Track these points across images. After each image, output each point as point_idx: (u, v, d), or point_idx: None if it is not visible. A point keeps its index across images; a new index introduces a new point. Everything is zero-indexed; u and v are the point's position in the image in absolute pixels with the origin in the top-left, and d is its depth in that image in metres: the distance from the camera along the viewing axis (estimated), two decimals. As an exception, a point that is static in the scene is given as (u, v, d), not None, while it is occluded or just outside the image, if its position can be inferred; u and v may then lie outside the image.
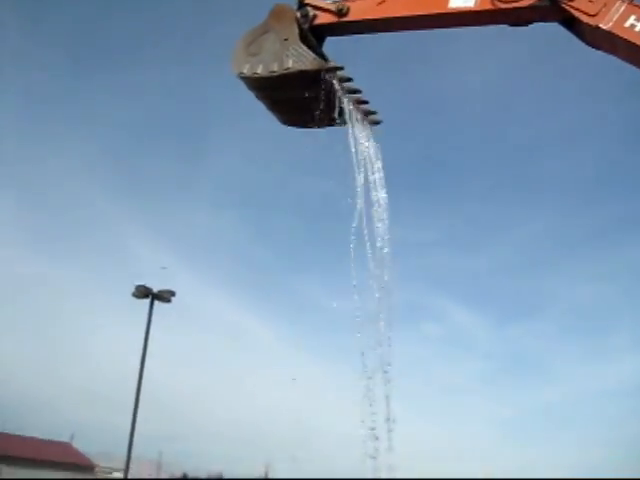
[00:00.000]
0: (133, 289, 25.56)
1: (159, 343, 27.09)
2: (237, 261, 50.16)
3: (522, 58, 48.12)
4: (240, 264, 49.72)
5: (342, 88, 6.52)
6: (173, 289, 26.07)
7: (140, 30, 55.04)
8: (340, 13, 6.86)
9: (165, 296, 25.64)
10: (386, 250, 6.24)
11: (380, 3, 6.78)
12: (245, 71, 6.52)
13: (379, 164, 6.58)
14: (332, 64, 6.35)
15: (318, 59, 6.28)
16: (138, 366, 24.83)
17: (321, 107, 6.52)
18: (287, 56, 6.31)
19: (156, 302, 25.72)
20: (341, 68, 6.40)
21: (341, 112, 6.58)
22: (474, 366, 47.10)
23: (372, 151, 6.64)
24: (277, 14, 6.57)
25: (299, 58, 6.26)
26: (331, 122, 6.73)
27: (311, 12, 6.91)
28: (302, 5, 6.96)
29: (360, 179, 6.40)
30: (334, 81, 6.41)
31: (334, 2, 6.92)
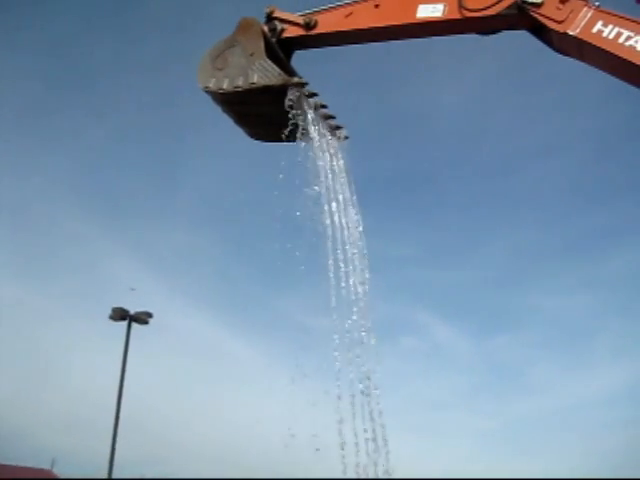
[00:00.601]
0: (110, 311, 25.23)
1: (138, 365, 26.62)
2: (216, 280, 49.72)
3: (497, 71, 48.58)
4: (219, 283, 49.19)
5: (307, 103, 6.47)
6: (151, 310, 25.73)
7: (114, 45, 54.67)
8: (308, 26, 6.81)
9: (142, 318, 25.21)
10: (358, 264, 6.19)
11: (348, 15, 6.74)
12: (211, 85, 6.45)
13: (345, 179, 6.53)
14: (297, 80, 6.29)
15: (283, 74, 6.22)
16: (117, 389, 24.42)
17: (287, 122, 6.46)
18: (252, 71, 6.25)
19: (134, 324, 25.42)
20: (306, 84, 6.35)
21: (307, 127, 6.53)
22: (455, 379, 47.06)
23: (340, 166, 6.59)
24: (244, 28, 6.50)
25: (264, 73, 6.19)
26: (297, 137, 6.67)
27: (279, 26, 6.86)
28: (270, 19, 6.91)
29: (327, 194, 6.35)
30: (299, 96, 6.35)
31: (302, 15, 6.88)
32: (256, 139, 7.20)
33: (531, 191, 54.35)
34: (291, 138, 6.64)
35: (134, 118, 54.08)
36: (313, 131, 6.53)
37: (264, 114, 6.66)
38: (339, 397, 5.61)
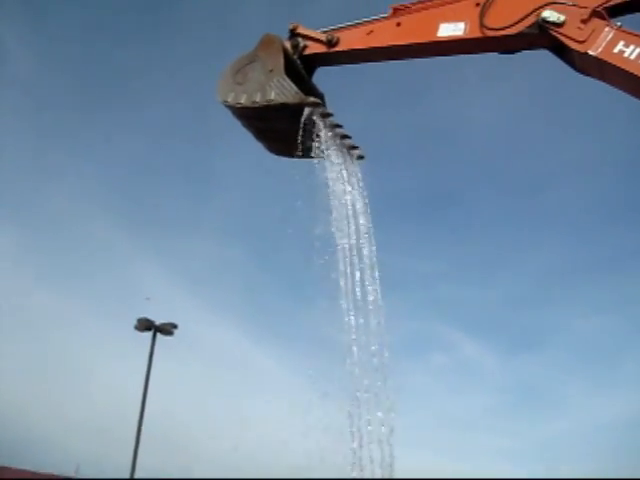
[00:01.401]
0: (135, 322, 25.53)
1: (162, 376, 26.81)
2: (243, 292, 49.86)
3: (526, 88, 48.24)
4: (246, 295, 49.32)
5: (323, 123, 6.54)
6: (177, 321, 25.94)
7: (147, 64, 55.56)
8: (330, 44, 6.89)
9: (167, 329, 25.47)
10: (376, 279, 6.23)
11: (369, 33, 6.80)
12: (229, 100, 6.53)
13: (362, 199, 6.59)
14: (312, 100, 6.33)
15: (300, 93, 6.25)
16: (140, 398, 24.63)
17: (303, 139, 6.56)
18: (270, 87, 6.30)
19: (159, 335, 25.67)
20: (321, 104, 6.42)
21: (321, 146, 6.63)
22: (481, 397, 46.47)
23: (355, 186, 6.64)
24: (265, 44, 6.57)
25: (282, 90, 6.24)
26: (315, 154, 6.76)
27: (301, 43, 6.94)
28: (293, 35, 7.00)
29: (342, 212, 6.41)
30: (315, 116, 6.43)
31: (324, 32, 6.95)
32: (276, 154, 7.27)
33: (560, 209, 53.67)
34: (308, 155, 6.74)
35: (166, 129, 54.74)
36: (328, 150, 6.59)
37: (281, 130, 6.72)
38: (351, 416, 5.63)
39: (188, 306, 41.91)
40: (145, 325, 25.45)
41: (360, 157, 6.93)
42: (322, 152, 6.57)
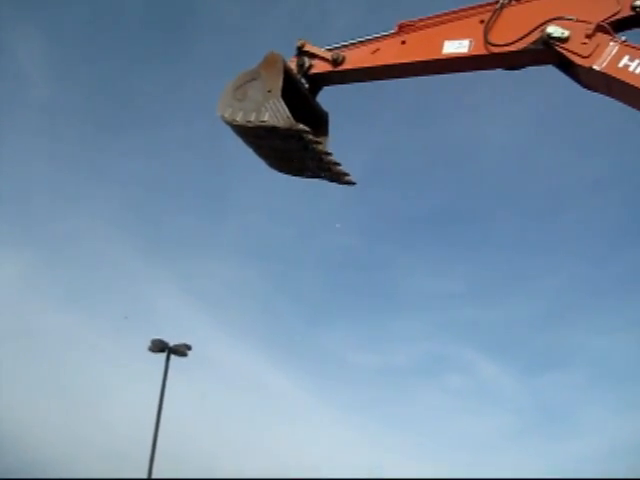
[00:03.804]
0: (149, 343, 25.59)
1: (177, 397, 26.77)
2: (260, 314, 49.87)
3: (545, 106, 48.08)
4: (263, 317, 49.33)
5: (313, 150, 6.64)
6: (193, 342, 26.01)
7: (163, 84, 56.19)
8: (336, 62, 6.93)
9: (181, 350, 25.52)
10: None
11: (375, 51, 6.83)
12: (227, 115, 6.56)
13: None
14: (301, 127, 6.31)
15: (291, 119, 6.23)
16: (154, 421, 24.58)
17: (297, 161, 6.76)
18: (265, 109, 6.31)
19: (174, 356, 25.70)
20: (309, 132, 6.40)
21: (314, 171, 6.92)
22: (499, 418, 45.79)
23: None
24: (268, 63, 6.58)
25: (275, 113, 6.25)
26: (311, 174, 6.98)
27: (307, 62, 6.98)
28: (300, 52, 7.04)
29: None
30: (305, 142, 6.50)
31: (329, 50, 6.99)
32: (277, 170, 7.32)
33: (579, 228, 53.33)
34: (305, 175, 6.92)
35: (182, 149, 55.26)
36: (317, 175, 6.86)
37: (278, 149, 6.79)
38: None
39: (203, 327, 41.95)
40: (159, 346, 25.50)
41: (351, 183, 7.05)
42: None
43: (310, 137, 6.45)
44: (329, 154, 6.84)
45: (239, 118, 6.46)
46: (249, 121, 6.39)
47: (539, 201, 53.49)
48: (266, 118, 6.27)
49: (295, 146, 6.55)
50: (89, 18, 51.45)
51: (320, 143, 6.72)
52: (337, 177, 6.99)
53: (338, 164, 6.90)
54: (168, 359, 25.53)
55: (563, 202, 53.71)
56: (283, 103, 6.25)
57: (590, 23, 5.81)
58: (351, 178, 7.01)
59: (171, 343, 25.91)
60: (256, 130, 6.45)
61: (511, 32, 6.11)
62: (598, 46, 5.71)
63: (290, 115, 6.21)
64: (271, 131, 6.36)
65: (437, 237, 55.53)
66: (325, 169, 6.90)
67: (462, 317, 50.99)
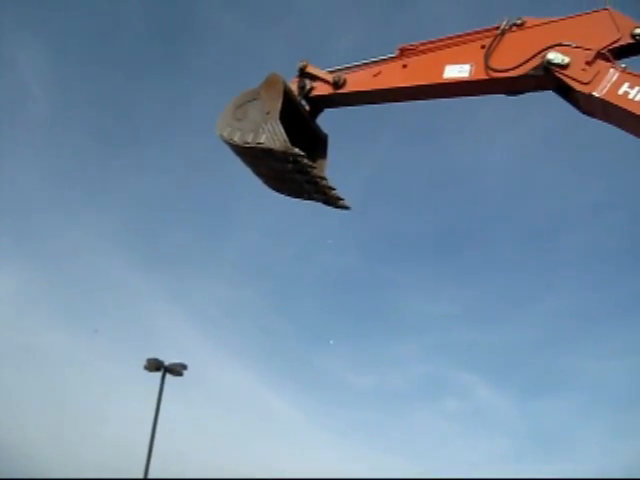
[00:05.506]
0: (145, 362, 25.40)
1: (171, 417, 26.55)
2: (257, 335, 49.68)
3: (545, 128, 48.29)
4: (260, 338, 49.07)
5: (308, 173, 6.67)
6: (189, 362, 25.75)
7: (165, 101, 56.42)
8: (337, 85, 6.95)
9: (177, 369, 25.29)
10: None
11: (376, 75, 6.85)
12: (225, 134, 6.59)
13: None
14: (296, 151, 6.32)
15: (287, 142, 6.24)
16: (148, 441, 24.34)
17: (293, 182, 6.79)
18: (263, 130, 6.33)
19: (169, 375, 25.52)
20: (303, 156, 6.41)
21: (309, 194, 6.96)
22: (496, 442, 45.44)
23: None
24: (269, 84, 6.57)
25: (272, 136, 6.27)
26: (307, 197, 7.02)
27: (308, 85, 7.01)
28: (302, 74, 7.06)
29: None
30: (301, 165, 6.53)
31: (331, 72, 7.01)
32: (274, 191, 7.31)
33: (578, 251, 53.30)
34: (301, 196, 7.00)
35: (183, 168, 55.32)
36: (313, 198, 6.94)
37: (275, 170, 6.78)
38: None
39: (200, 346, 41.76)
40: (154, 365, 25.28)
41: (345, 208, 7.07)
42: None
43: (305, 161, 6.46)
44: (324, 178, 6.85)
45: (237, 138, 6.48)
46: (246, 142, 6.41)
47: (538, 223, 53.63)
48: (263, 140, 6.29)
49: (291, 168, 6.56)
50: (91, 33, 52.00)
51: (315, 167, 6.74)
52: (331, 201, 7.01)
53: (333, 189, 6.90)
54: (163, 378, 25.31)
55: (562, 225, 53.83)
56: (280, 126, 6.26)
57: (590, 50, 5.86)
58: (345, 203, 7.03)
59: (167, 362, 25.73)
60: (253, 151, 6.46)
61: (512, 58, 6.15)
62: (598, 73, 5.75)
63: (286, 138, 6.22)
64: (267, 153, 6.37)
65: (436, 258, 55.41)
66: (320, 192, 6.91)
67: (460, 339, 50.77)
